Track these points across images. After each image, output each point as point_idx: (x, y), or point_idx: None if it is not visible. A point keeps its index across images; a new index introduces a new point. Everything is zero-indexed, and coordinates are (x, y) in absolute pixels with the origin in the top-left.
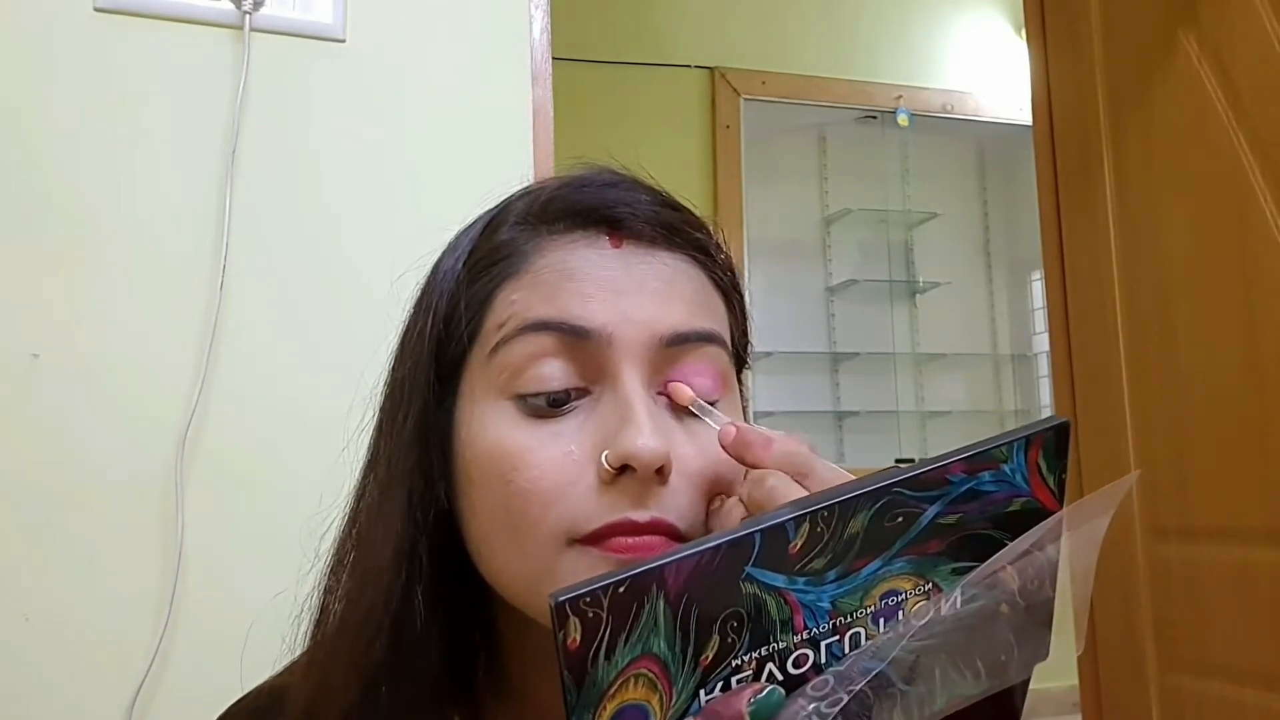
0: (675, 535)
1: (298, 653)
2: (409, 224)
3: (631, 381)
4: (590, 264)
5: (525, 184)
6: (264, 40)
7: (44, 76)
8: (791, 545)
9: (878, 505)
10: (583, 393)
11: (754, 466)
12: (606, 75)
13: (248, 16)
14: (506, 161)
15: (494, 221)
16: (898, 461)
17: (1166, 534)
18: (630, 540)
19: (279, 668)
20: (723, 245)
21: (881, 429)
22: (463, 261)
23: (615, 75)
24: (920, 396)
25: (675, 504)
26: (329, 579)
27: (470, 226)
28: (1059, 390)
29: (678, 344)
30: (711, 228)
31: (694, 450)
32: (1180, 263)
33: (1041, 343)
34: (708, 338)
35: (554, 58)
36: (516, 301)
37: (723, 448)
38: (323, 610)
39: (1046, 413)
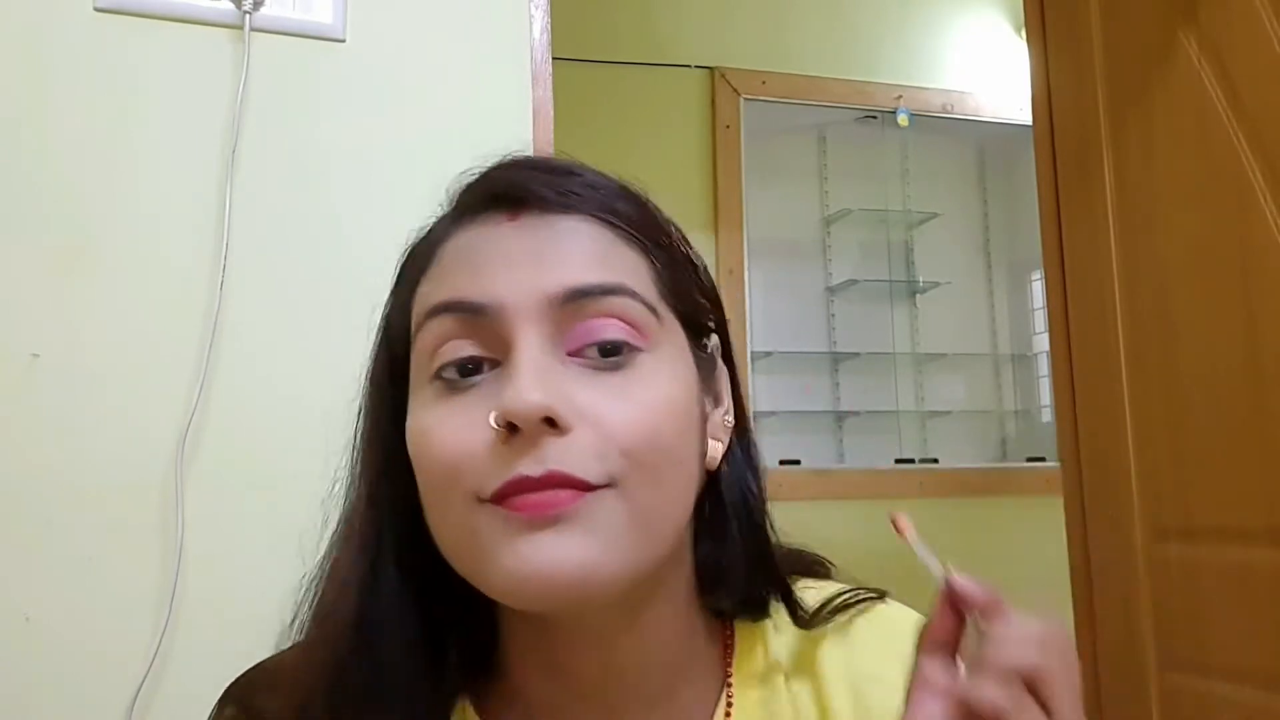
0: (579, 486)
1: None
2: (409, 224)
3: (524, 344)
4: (485, 241)
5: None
6: (264, 40)
7: (44, 76)
8: None
9: None
10: (493, 363)
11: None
12: (606, 75)
13: (248, 16)
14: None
15: (422, 233)
16: (898, 461)
17: (1166, 534)
18: (533, 497)
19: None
20: (650, 206)
21: (881, 429)
22: (396, 275)
23: (615, 75)
24: (920, 396)
25: (576, 454)
26: (326, 564)
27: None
28: (1059, 390)
29: (574, 300)
30: (635, 192)
31: (600, 400)
32: (1180, 263)
33: (1041, 343)
34: (609, 290)
35: (554, 58)
36: (426, 292)
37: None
38: (319, 595)
39: (1046, 413)
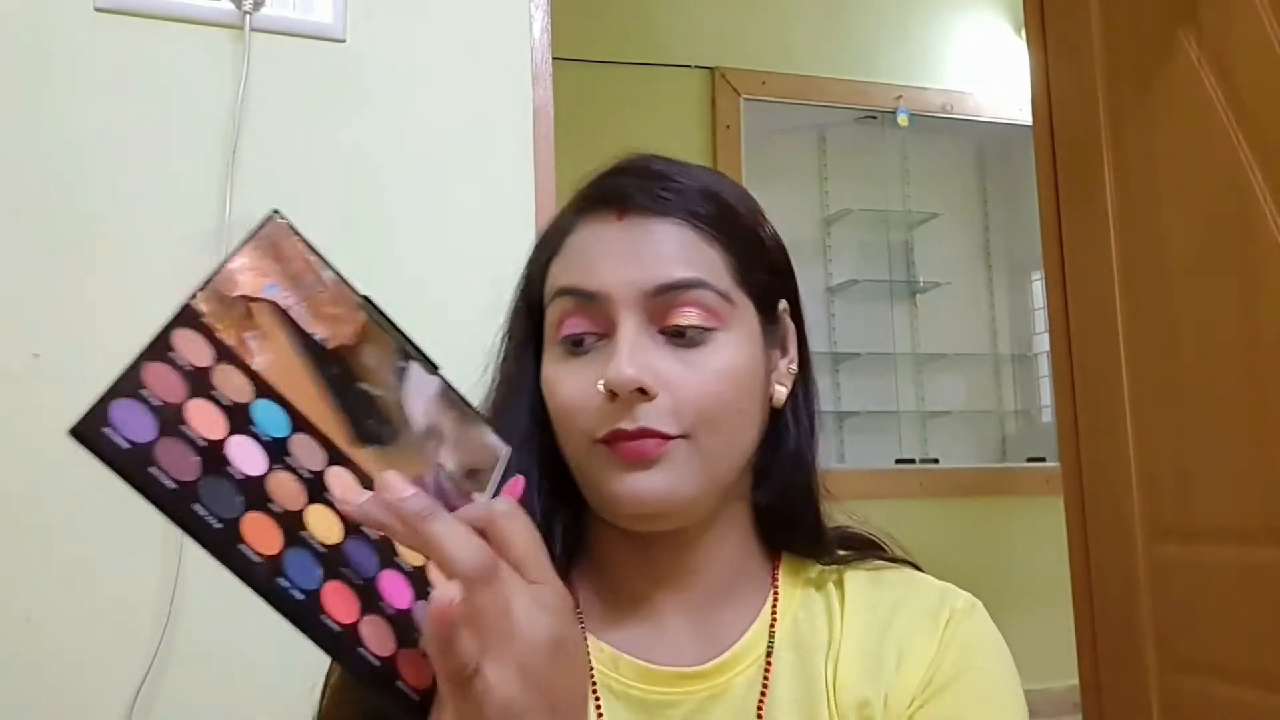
0: (662, 437)
1: None
2: (410, 224)
3: (625, 327)
4: (598, 238)
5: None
6: (264, 40)
7: (44, 76)
8: None
9: None
10: (601, 337)
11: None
12: (606, 75)
13: (248, 16)
14: (507, 161)
15: (558, 214)
16: (898, 461)
17: (1167, 534)
18: (629, 444)
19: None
20: (729, 200)
21: (882, 429)
22: (535, 244)
23: (615, 75)
24: (920, 396)
25: (661, 414)
26: None
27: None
28: (1059, 390)
29: (664, 292)
30: (715, 189)
31: (680, 371)
32: (1180, 263)
33: (1041, 343)
34: (689, 284)
35: (554, 58)
36: (555, 274)
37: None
38: None
39: (1046, 414)
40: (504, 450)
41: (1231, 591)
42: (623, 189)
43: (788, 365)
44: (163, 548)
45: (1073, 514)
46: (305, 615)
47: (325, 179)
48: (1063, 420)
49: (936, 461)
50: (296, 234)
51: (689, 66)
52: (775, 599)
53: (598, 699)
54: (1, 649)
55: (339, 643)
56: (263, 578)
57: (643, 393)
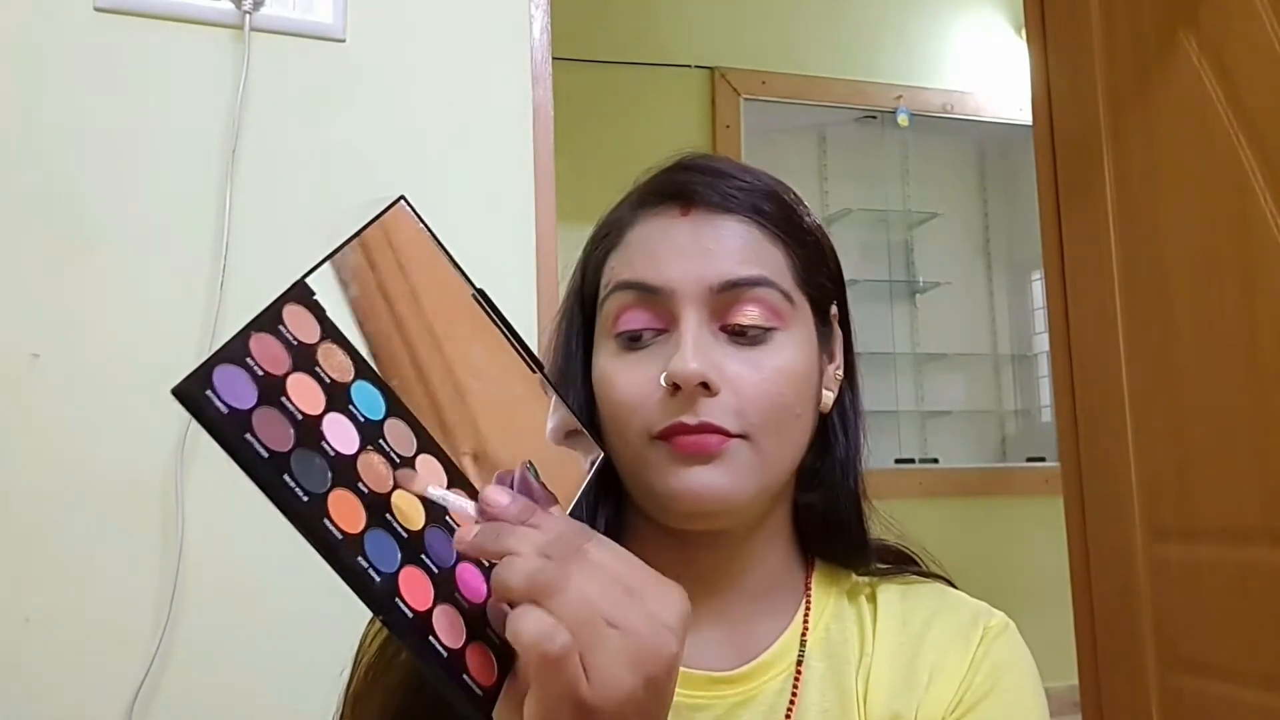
0: (724, 433)
1: None
2: None
3: (688, 322)
4: (662, 233)
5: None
6: (264, 40)
7: (44, 76)
8: None
9: None
10: (660, 332)
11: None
12: (606, 75)
13: (248, 16)
14: (507, 161)
15: (618, 204)
16: (898, 461)
17: (1166, 534)
18: (690, 439)
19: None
20: (790, 202)
21: (881, 429)
22: (591, 237)
23: (615, 75)
24: (920, 396)
25: (723, 411)
26: None
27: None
28: (1059, 390)
29: (728, 289)
30: (779, 191)
31: (743, 369)
32: (1180, 263)
33: (1041, 343)
34: (753, 282)
35: (554, 58)
36: (614, 267)
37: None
38: None
39: (1046, 413)
40: (597, 454)
41: (1231, 591)
42: (688, 185)
43: (834, 371)
44: (163, 548)
45: (1072, 514)
46: (381, 597)
47: (325, 178)
48: (1062, 420)
49: (936, 461)
50: (420, 221)
51: (689, 66)
52: (808, 607)
53: None
54: (1, 649)
55: (412, 628)
56: (344, 555)
57: (706, 388)
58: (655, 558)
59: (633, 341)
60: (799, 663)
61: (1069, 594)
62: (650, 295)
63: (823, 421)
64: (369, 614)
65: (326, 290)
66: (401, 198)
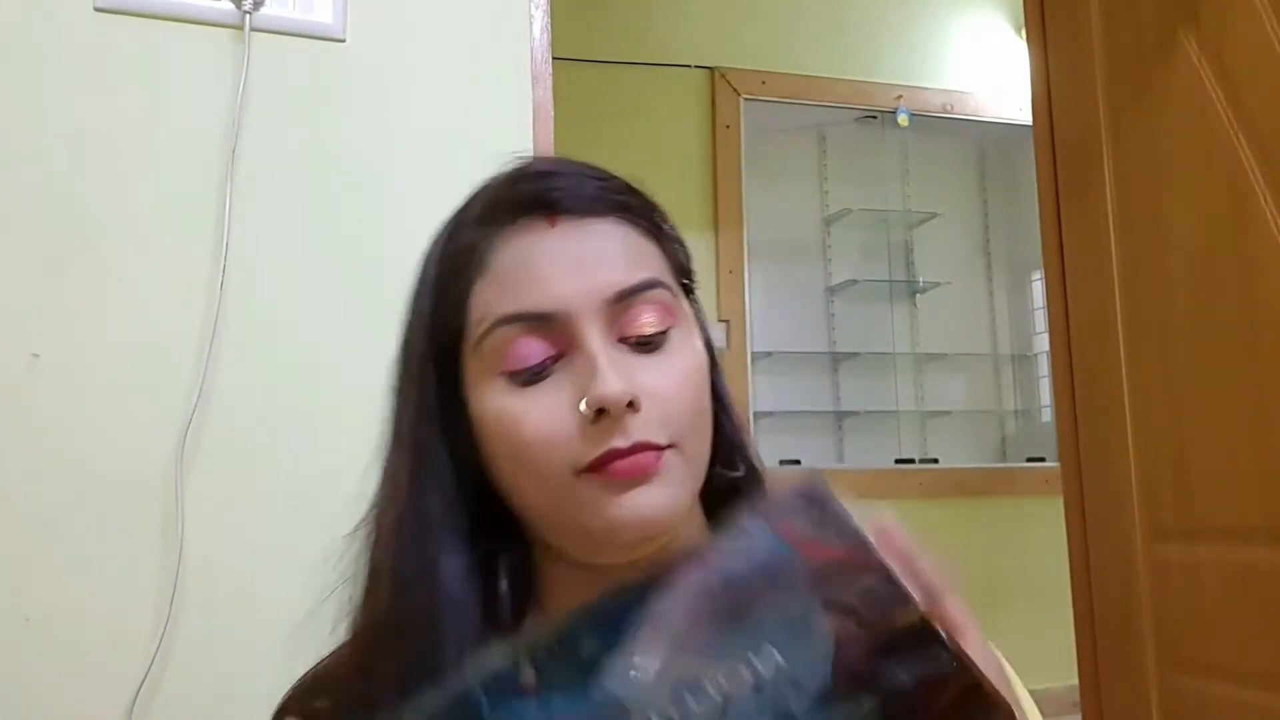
0: (658, 449)
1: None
2: (409, 224)
3: (592, 340)
4: (536, 250)
5: (476, 186)
6: (264, 40)
7: (44, 76)
8: (522, 681)
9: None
10: (557, 358)
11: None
12: (606, 75)
13: (248, 16)
14: (507, 161)
15: (457, 226)
16: (898, 461)
17: (1166, 534)
18: (624, 463)
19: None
20: (642, 192)
21: (881, 429)
22: (435, 266)
23: (615, 75)
24: (920, 396)
25: (650, 425)
26: (370, 549)
27: (439, 232)
28: (1059, 390)
29: (622, 299)
30: (629, 182)
31: (657, 378)
32: (1180, 263)
33: (1041, 343)
34: (646, 285)
35: (554, 58)
36: (489, 301)
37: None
38: (370, 574)
39: (1046, 413)
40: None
41: (1231, 591)
42: (548, 193)
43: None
44: (163, 548)
45: (1072, 514)
46: None
47: (324, 179)
48: (1062, 420)
49: (936, 461)
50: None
51: (689, 66)
52: None
53: None
54: (1, 649)
55: None
56: None
57: (630, 405)
58: (572, 599)
59: (534, 376)
60: None
61: (1069, 594)
62: (542, 323)
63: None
64: None
65: None
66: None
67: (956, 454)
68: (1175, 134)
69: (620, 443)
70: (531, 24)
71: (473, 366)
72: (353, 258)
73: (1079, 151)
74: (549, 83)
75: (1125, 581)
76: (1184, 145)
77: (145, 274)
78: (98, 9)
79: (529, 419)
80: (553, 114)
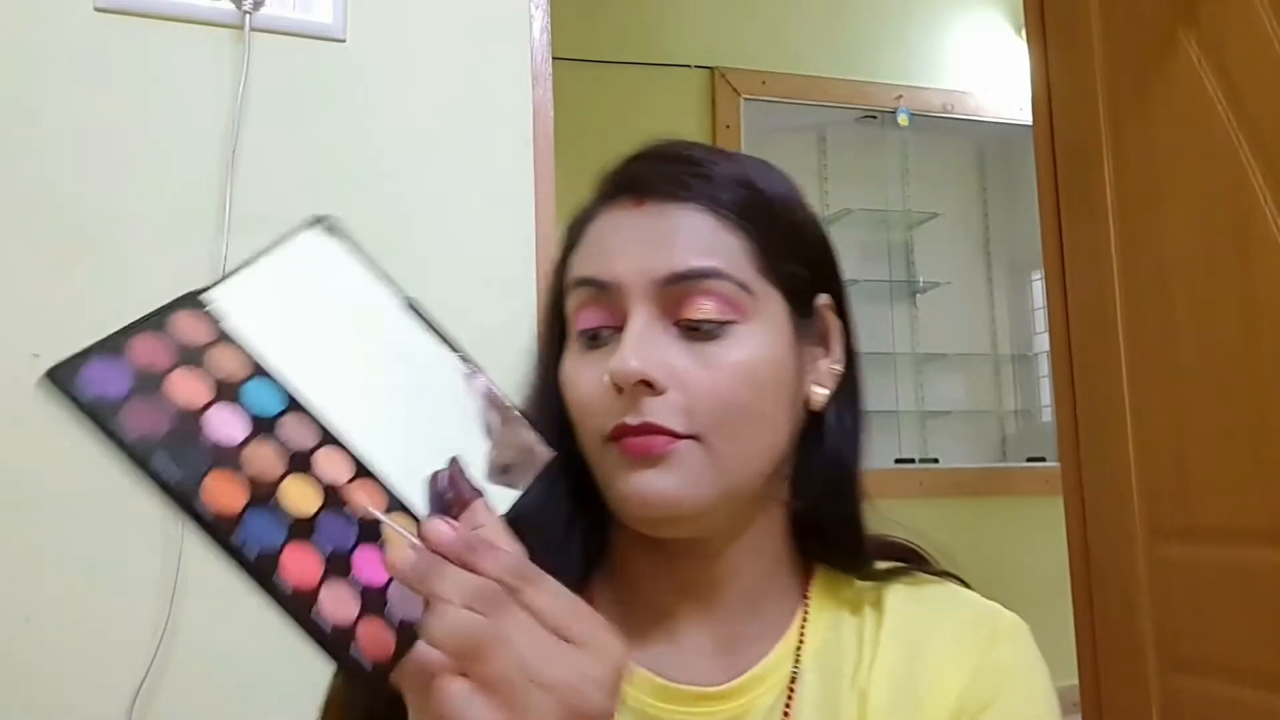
0: (670, 434)
1: None
2: (409, 223)
3: (635, 317)
4: (615, 226)
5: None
6: (264, 40)
7: (44, 76)
8: None
9: None
10: (616, 329)
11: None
12: (606, 75)
13: (248, 16)
14: (507, 161)
15: (579, 208)
16: (898, 461)
17: (1167, 534)
18: (634, 440)
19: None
20: (762, 187)
21: (881, 429)
22: (563, 240)
23: (615, 75)
24: (920, 396)
25: (669, 411)
26: None
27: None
28: (1059, 390)
29: (677, 282)
30: (750, 176)
31: (697, 368)
32: (1180, 263)
33: (1041, 343)
34: (704, 274)
35: (554, 58)
36: (574, 265)
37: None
38: None
39: (1046, 413)
40: (546, 454)
41: (1231, 591)
42: (641, 175)
43: (829, 365)
44: (163, 548)
45: (1072, 514)
46: (258, 574)
47: (325, 179)
48: (1062, 420)
49: (936, 461)
50: (337, 239)
51: (689, 66)
52: (805, 617)
53: None
54: (1, 649)
55: (289, 604)
56: (218, 533)
57: (649, 386)
58: (637, 565)
59: (592, 340)
60: (793, 677)
61: (1069, 594)
62: (601, 291)
63: (815, 419)
64: None
65: (233, 302)
66: (316, 219)
67: (956, 454)
68: (1175, 134)
69: (631, 419)
70: (531, 24)
71: (568, 327)
72: None
73: (1079, 151)
74: (549, 83)
75: (1125, 581)
76: (1184, 145)
77: (145, 274)
78: (98, 9)
79: (579, 380)
80: (553, 114)
